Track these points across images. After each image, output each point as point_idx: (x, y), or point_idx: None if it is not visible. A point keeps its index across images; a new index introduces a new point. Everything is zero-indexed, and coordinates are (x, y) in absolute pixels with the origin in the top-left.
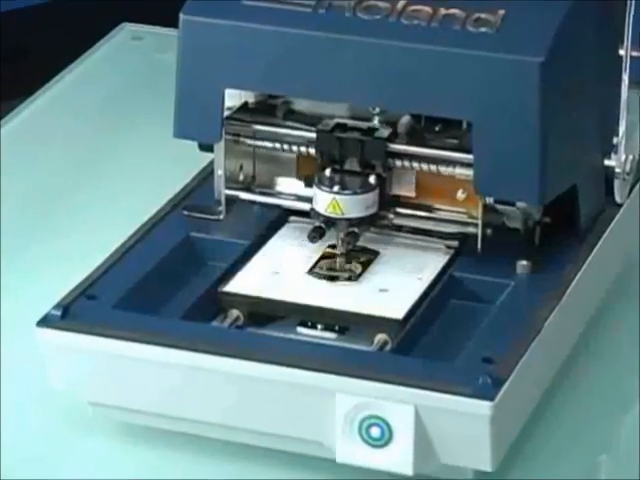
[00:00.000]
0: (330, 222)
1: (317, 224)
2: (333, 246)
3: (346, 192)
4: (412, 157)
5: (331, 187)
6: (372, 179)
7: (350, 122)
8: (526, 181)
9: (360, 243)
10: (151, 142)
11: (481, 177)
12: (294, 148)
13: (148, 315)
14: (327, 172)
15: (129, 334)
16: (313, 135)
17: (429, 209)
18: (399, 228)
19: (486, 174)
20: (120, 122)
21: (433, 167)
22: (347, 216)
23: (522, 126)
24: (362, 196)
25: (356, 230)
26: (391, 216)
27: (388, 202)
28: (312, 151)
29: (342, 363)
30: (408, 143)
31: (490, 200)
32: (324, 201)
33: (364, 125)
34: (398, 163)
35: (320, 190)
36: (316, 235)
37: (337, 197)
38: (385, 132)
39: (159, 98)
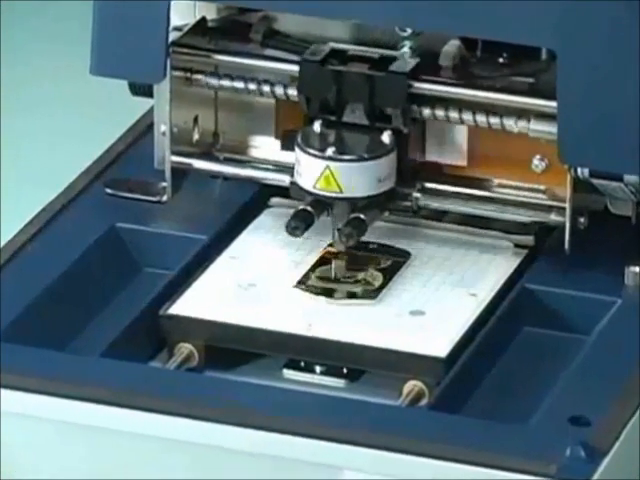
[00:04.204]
0: (322, 204)
1: (301, 207)
2: None
3: (346, 157)
4: (460, 104)
5: (323, 149)
6: (386, 137)
7: (352, 48)
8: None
9: (381, 239)
10: (56, 80)
11: (569, 137)
12: (276, 90)
13: (52, 351)
14: (316, 126)
15: (22, 379)
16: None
17: (488, 187)
18: (441, 216)
19: (577, 133)
20: (9, 50)
21: (495, 121)
22: (348, 194)
23: (633, 57)
24: (371, 163)
25: (362, 216)
26: (417, 195)
27: (414, 173)
28: (293, 93)
29: (353, 425)
30: (456, 82)
31: (584, 172)
32: (312, 171)
33: (373, 53)
34: (440, 113)
35: (305, 154)
36: (299, 225)
37: (332, 165)
38: (407, 63)
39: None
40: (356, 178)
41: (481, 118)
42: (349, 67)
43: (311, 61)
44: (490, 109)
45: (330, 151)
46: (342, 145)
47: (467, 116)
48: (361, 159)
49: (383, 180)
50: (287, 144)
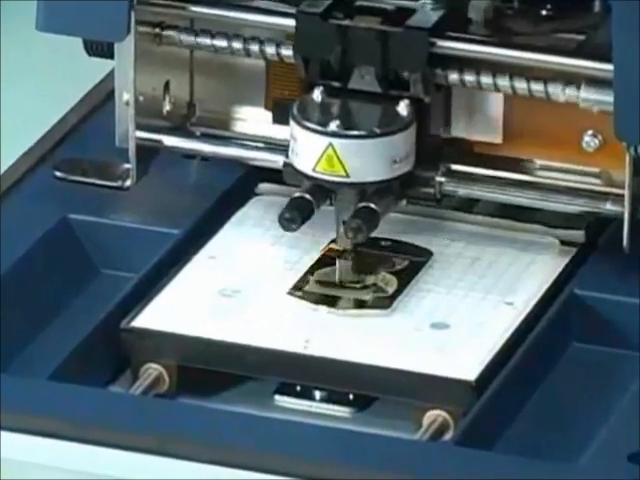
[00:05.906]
0: (323, 191)
1: (297, 194)
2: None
3: (353, 133)
4: (494, 67)
5: (324, 123)
6: (403, 107)
7: None
8: None
9: (396, 234)
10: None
11: (628, 108)
12: (267, 49)
13: None
14: (316, 94)
15: None
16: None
17: (528, 169)
18: (470, 205)
19: (637, 103)
20: None
21: (537, 87)
22: (355, 179)
23: None
24: (384, 140)
25: (372, 206)
26: (440, 179)
27: (436, 152)
28: (288, 54)
29: (361, 463)
30: (489, 40)
31: None
32: (312, 150)
33: (386, 4)
34: (469, 78)
35: (303, 129)
36: (294, 217)
37: (336, 142)
38: (429, 17)
39: None
40: (365, 159)
41: (520, 84)
42: (357, 22)
43: (310, 14)
44: (531, 73)
45: (333, 125)
46: (348, 118)
47: (503, 82)
48: (372, 135)
49: (399, 161)
50: (279, 116)
